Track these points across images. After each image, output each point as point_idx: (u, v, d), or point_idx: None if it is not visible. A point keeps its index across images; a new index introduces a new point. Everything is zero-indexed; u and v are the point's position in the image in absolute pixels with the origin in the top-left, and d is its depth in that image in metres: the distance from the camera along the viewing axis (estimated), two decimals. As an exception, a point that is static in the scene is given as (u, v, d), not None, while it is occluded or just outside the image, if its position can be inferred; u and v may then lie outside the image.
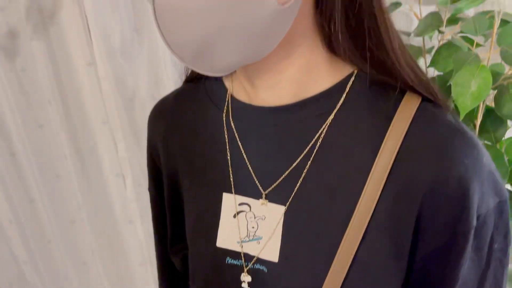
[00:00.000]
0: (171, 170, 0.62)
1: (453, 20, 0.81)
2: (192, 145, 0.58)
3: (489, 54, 0.61)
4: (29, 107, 1.35)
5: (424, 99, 0.47)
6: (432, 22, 0.66)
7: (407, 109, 0.46)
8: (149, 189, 0.69)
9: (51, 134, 1.38)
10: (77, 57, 1.25)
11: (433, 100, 0.47)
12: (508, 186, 0.70)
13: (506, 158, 0.62)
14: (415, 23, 0.87)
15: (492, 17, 0.60)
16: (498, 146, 0.67)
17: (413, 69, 0.47)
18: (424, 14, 0.86)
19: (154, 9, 0.39)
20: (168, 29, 0.40)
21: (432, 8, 0.87)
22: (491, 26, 0.62)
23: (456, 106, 0.58)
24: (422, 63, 0.85)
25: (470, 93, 0.55)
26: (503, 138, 0.67)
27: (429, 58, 0.85)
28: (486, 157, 0.46)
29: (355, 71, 0.49)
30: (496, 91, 0.66)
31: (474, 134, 0.46)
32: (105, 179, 1.42)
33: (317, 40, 0.47)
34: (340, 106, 0.48)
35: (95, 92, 1.28)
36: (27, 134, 1.37)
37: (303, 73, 0.48)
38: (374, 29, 0.45)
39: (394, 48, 0.46)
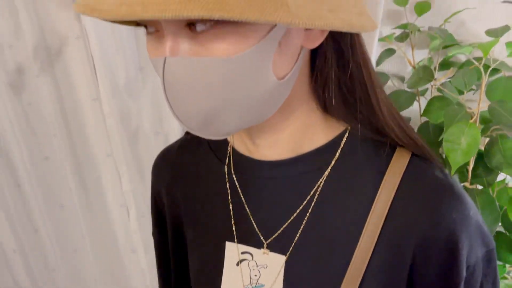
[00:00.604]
0: (175, 217, 0.64)
1: (445, 65, 0.84)
2: (195, 195, 0.61)
3: (478, 108, 0.63)
4: (34, 139, 1.37)
5: (414, 154, 0.50)
6: (423, 76, 0.69)
7: (398, 164, 0.49)
8: (153, 234, 0.72)
9: (56, 165, 1.40)
10: (83, 93, 1.28)
11: (422, 155, 0.50)
12: (501, 228, 0.72)
13: (497, 204, 0.65)
14: (409, 66, 0.90)
15: (479, 68, 0.63)
16: (490, 189, 0.70)
17: (402, 128, 0.51)
18: (417, 58, 0.89)
19: (164, 85, 0.42)
20: (176, 103, 0.42)
21: (425, 53, 0.90)
22: (480, 76, 0.64)
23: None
24: (416, 107, 0.88)
25: (460, 150, 0.58)
26: (495, 181, 0.70)
27: (423, 100, 0.88)
28: (473, 210, 0.48)
29: (348, 128, 0.52)
30: (486, 140, 0.68)
31: (461, 187, 0.49)
32: (109, 209, 1.44)
33: (313, 102, 0.51)
34: (335, 161, 0.51)
35: (99, 127, 1.31)
36: (32, 166, 1.39)
37: (301, 132, 0.51)
38: (365, 96, 0.49)
39: (383, 112, 0.49)
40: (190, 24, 0.39)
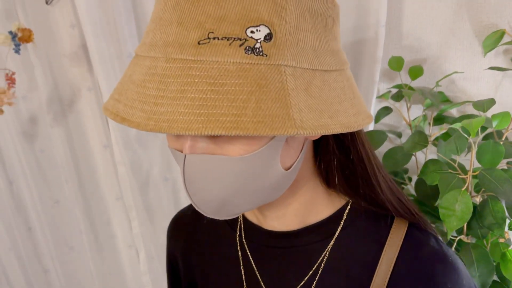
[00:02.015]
0: (190, 280, 0.69)
1: (439, 119, 0.90)
2: (209, 260, 0.65)
3: (470, 173, 0.69)
4: (46, 185, 1.42)
5: (410, 224, 0.55)
6: (419, 141, 0.75)
7: (397, 235, 0.54)
8: None
9: (67, 209, 1.44)
10: (94, 140, 1.33)
11: (418, 225, 0.55)
12: (496, 277, 0.77)
13: (491, 258, 0.70)
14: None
15: (468, 130, 0.67)
16: (484, 241, 0.75)
17: (400, 201, 0.56)
18: (412, 112, 0.95)
19: (184, 178, 0.46)
20: (195, 192, 0.47)
21: (420, 107, 0.96)
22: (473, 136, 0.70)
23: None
24: (414, 163, 0.94)
25: (455, 216, 0.63)
26: (489, 233, 0.75)
27: (419, 153, 0.94)
28: (466, 278, 0.53)
29: (350, 202, 0.57)
30: (480, 197, 0.74)
31: (455, 255, 0.54)
32: (118, 251, 1.47)
33: (317, 180, 0.57)
34: (339, 232, 0.56)
35: (110, 172, 1.36)
36: (43, 210, 1.43)
37: (306, 206, 0.57)
38: (365, 176, 0.54)
39: (383, 189, 0.55)
40: None
